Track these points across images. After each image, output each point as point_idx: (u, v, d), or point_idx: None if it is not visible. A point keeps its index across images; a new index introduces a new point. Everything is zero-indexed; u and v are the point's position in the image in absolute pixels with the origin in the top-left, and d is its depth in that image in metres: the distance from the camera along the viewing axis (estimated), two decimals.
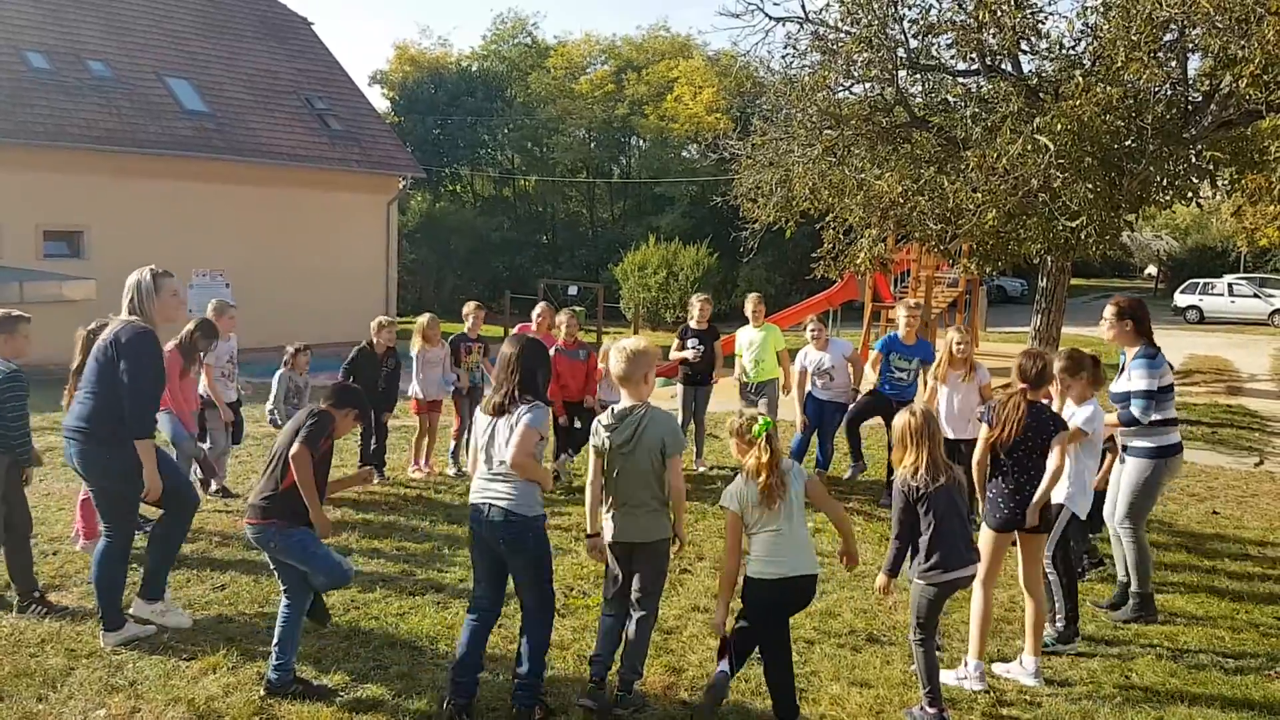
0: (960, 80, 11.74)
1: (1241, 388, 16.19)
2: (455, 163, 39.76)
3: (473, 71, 41.47)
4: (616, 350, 4.28)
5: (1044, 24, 10.76)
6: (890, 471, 8.10)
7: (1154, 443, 5.59)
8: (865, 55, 11.17)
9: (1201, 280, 32.60)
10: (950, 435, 6.86)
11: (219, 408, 7.65)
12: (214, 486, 7.72)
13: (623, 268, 30.09)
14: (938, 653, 4.43)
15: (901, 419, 4.36)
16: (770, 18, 12.47)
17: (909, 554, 4.33)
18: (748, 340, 8.86)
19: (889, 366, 8.06)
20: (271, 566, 4.49)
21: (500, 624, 4.50)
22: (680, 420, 8.77)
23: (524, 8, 61.72)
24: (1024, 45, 10.93)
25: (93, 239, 18.19)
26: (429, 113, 38.34)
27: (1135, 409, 5.49)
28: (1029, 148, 9.50)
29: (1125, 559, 5.69)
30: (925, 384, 7.94)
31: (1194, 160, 10.53)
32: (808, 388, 8.54)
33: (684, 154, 37.18)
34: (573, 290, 28.93)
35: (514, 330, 9.01)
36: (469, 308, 9.06)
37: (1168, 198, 11.03)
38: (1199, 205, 12.81)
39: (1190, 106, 10.61)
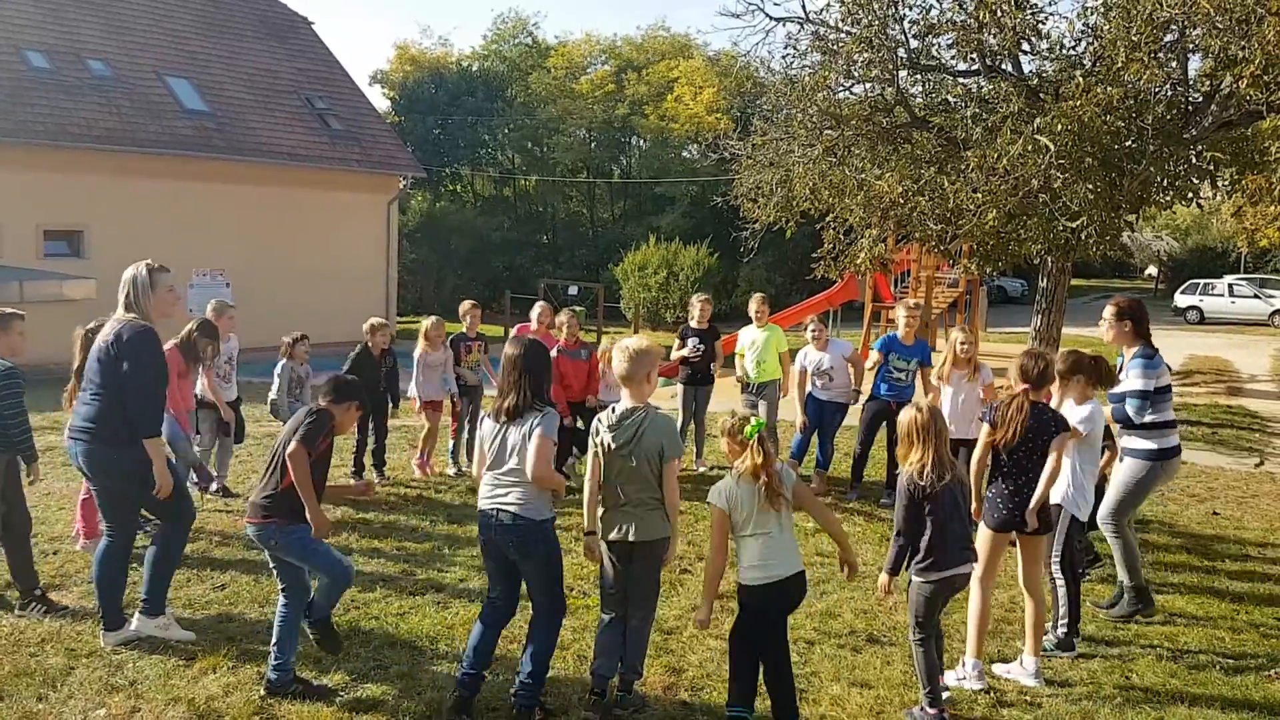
0: (961, 80, 11.73)
1: (1242, 388, 16.19)
2: (456, 162, 39.76)
3: (473, 71, 41.47)
4: (619, 349, 4.27)
5: (1044, 24, 10.76)
6: (891, 471, 8.12)
7: (1153, 444, 5.60)
8: (866, 55, 11.16)
9: (1202, 281, 32.60)
10: (954, 434, 6.85)
11: (220, 408, 7.66)
12: (214, 486, 7.73)
13: (623, 268, 30.08)
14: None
15: (907, 415, 4.33)
16: (770, 18, 12.47)
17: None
18: (750, 340, 8.86)
19: (888, 367, 8.06)
20: (271, 565, 4.50)
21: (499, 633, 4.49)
22: (680, 421, 8.78)
23: (525, 8, 61.69)
24: (1024, 45, 10.92)
25: (93, 238, 18.17)
26: (429, 112, 38.34)
27: (1130, 409, 5.52)
28: (1029, 148, 9.49)
29: (1113, 554, 5.72)
30: (925, 385, 7.94)
31: (1194, 161, 10.53)
32: (808, 388, 8.54)
33: (684, 154, 37.18)
34: (573, 290, 28.92)
35: (514, 330, 9.03)
36: (465, 307, 9.19)
37: (1168, 198, 11.03)
38: (1199, 206, 12.81)
39: (1191, 107, 10.60)
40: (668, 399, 9.26)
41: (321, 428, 4.34)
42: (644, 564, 4.28)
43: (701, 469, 8.92)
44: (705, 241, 29.05)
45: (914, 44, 11.39)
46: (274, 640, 4.38)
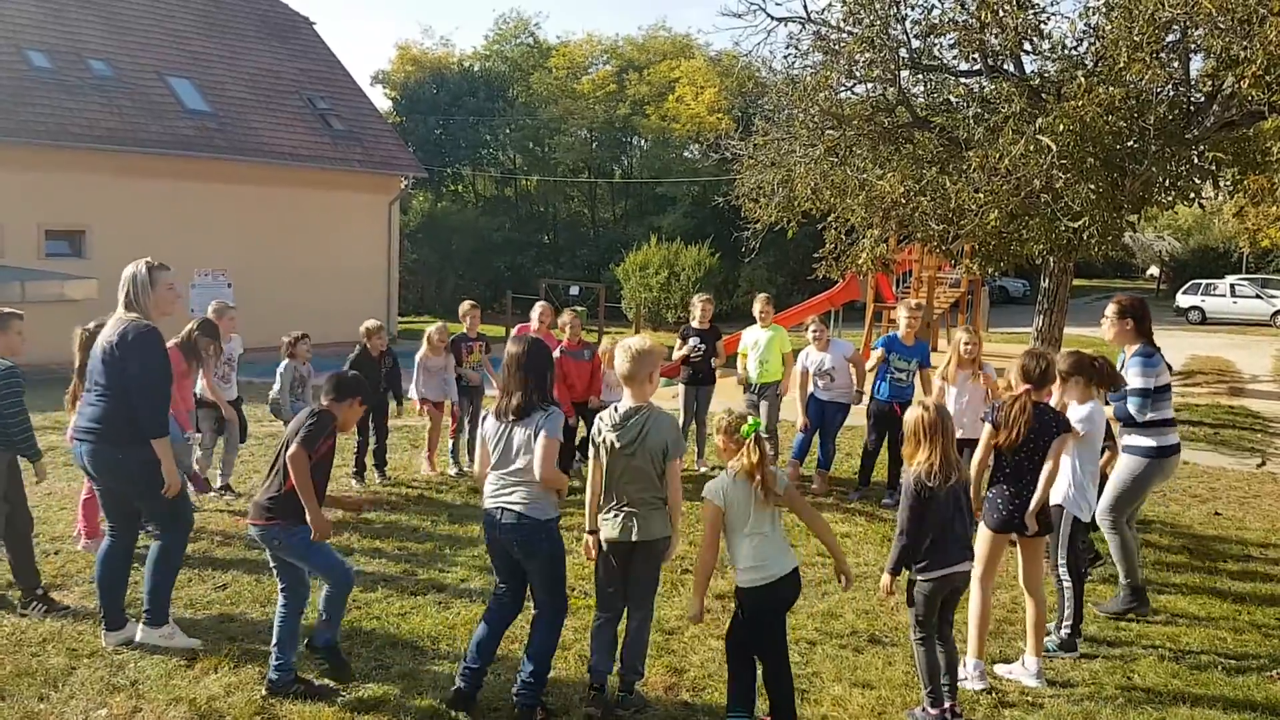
0: (962, 80, 11.72)
1: (1243, 389, 16.17)
2: (457, 163, 39.77)
3: (475, 71, 41.48)
4: (622, 349, 4.27)
5: (1046, 24, 10.75)
6: (893, 471, 8.12)
7: (1152, 442, 5.62)
8: (867, 55, 11.16)
9: (1204, 281, 32.56)
10: (958, 434, 6.84)
11: (220, 406, 7.67)
12: (218, 484, 7.76)
13: (624, 268, 30.07)
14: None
15: (914, 414, 4.30)
16: (772, 18, 12.47)
17: None
18: (753, 340, 8.85)
19: (888, 367, 8.06)
20: (272, 565, 4.49)
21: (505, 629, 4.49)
22: (681, 421, 8.78)
23: (526, 8, 61.54)
24: (1026, 46, 10.91)
25: (94, 238, 18.18)
26: (431, 113, 38.35)
27: (1131, 407, 5.53)
28: (1031, 148, 9.49)
29: (1110, 551, 5.73)
30: (925, 386, 7.94)
31: (1196, 161, 10.51)
32: (810, 389, 8.53)
33: (685, 154, 37.14)
34: (574, 290, 28.92)
35: (514, 331, 9.03)
36: (465, 307, 9.24)
37: (1170, 198, 11.01)
38: (1201, 206, 12.80)
39: (1192, 107, 10.59)
40: (669, 399, 9.25)
41: (323, 429, 4.33)
42: (645, 564, 4.29)
43: (703, 469, 8.92)
44: (706, 242, 29.05)
45: (916, 44, 11.39)
46: (274, 640, 4.37)
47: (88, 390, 4.86)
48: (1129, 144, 10.04)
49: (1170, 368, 5.94)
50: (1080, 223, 9.70)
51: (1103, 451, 5.47)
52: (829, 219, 12.27)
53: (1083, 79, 9.71)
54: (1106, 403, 5.50)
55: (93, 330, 5.41)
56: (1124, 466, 5.69)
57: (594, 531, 4.30)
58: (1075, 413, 5.06)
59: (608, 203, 40.71)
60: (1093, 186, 9.51)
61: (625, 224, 38.26)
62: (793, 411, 8.83)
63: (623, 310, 29.63)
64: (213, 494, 7.69)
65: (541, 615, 4.24)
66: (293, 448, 4.22)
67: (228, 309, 7.92)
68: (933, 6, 11.26)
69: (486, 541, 4.32)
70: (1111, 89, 9.57)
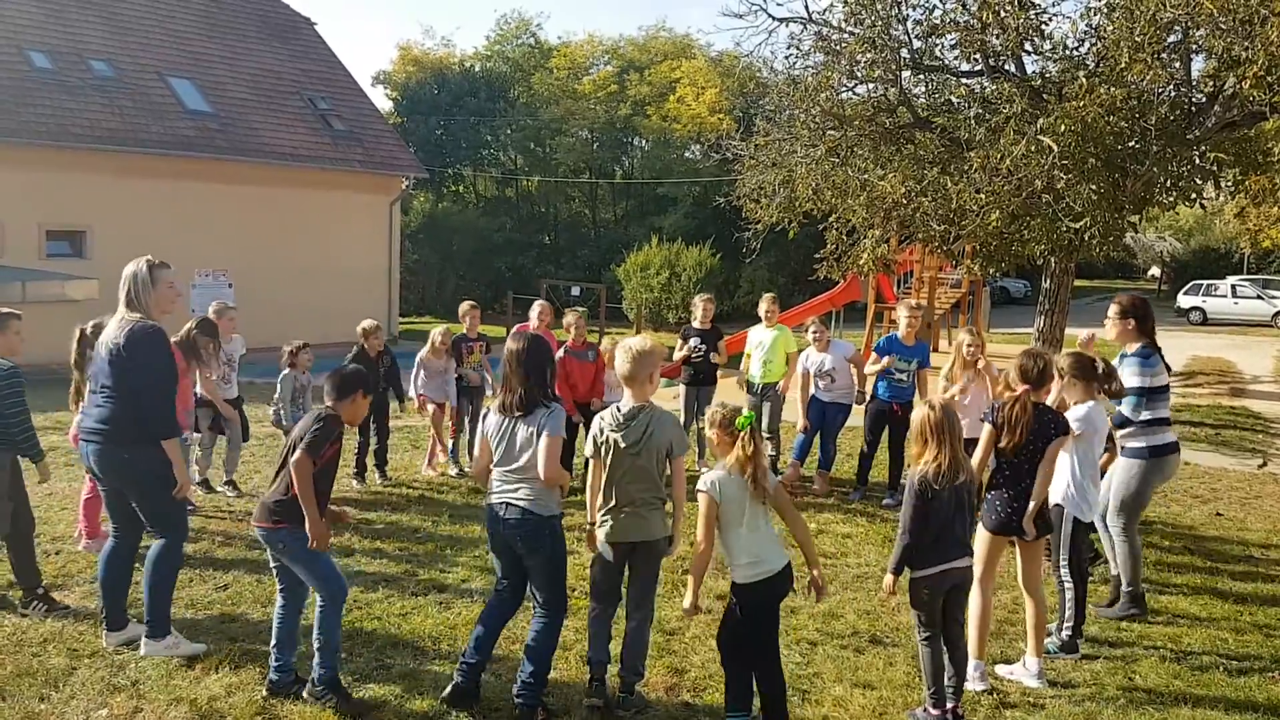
0: (964, 81, 11.72)
1: (1245, 389, 16.16)
2: (458, 163, 39.79)
3: (475, 72, 41.50)
4: (622, 349, 4.26)
5: (1048, 25, 10.74)
6: (894, 471, 8.11)
7: (1147, 442, 5.61)
8: (869, 56, 11.15)
9: (1205, 281, 32.57)
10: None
11: (217, 404, 7.67)
12: (221, 481, 7.81)
13: (625, 268, 30.08)
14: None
15: (920, 413, 4.27)
16: (773, 18, 12.45)
17: None
18: (758, 340, 8.85)
19: (888, 368, 8.05)
20: (272, 565, 4.49)
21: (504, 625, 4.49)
22: (682, 421, 8.78)
23: (527, 9, 61.62)
24: (1028, 46, 10.90)
25: (95, 239, 18.20)
26: (432, 113, 38.37)
27: (1126, 406, 5.54)
28: (1032, 149, 9.48)
29: (1115, 556, 5.71)
30: (923, 387, 7.95)
31: (1197, 161, 10.49)
32: (811, 390, 8.52)
33: (686, 155, 37.17)
34: (575, 291, 28.94)
35: (514, 330, 9.03)
36: (464, 308, 9.24)
37: (1171, 199, 11.00)
38: (1202, 207, 12.78)
39: (1194, 108, 10.58)
40: (670, 399, 9.24)
41: (328, 434, 4.26)
42: (644, 564, 4.30)
43: (703, 470, 8.90)
44: (707, 242, 29.06)
45: (917, 44, 11.38)
46: (274, 641, 4.37)
47: (93, 391, 4.84)
48: (1130, 144, 10.03)
49: (1169, 368, 5.94)
50: (1081, 223, 9.69)
51: (1104, 452, 5.47)
52: (830, 219, 12.27)
53: (1084, 79, 9.71)
54: (1114, 398, 5.49)
55: (93, 329, 5.41)
56: (1120, 470, 5.67)
57: (595, 525, 4.30)
58: (1073, 413, 5.05)
59: (609, 203, 40.72)
60: (1094, 187, 9.50)
61: (626, 224, 38.27)
62: (794, 413, 8.83)
63: (624, 311, 29.64)
64: (221, 487, 7.73)
65: (542, 614, 4.23)
66: (297, 453, 4.18)
67: (228, 309, 7.92)
68: (934, 7, 11.26)
69: (489, 536, 4.32)
70: (1113, 89, 9.56)
